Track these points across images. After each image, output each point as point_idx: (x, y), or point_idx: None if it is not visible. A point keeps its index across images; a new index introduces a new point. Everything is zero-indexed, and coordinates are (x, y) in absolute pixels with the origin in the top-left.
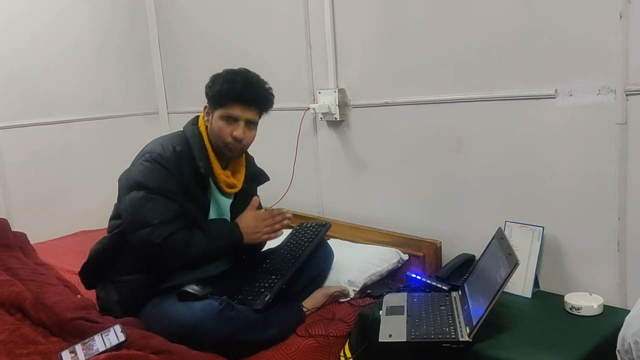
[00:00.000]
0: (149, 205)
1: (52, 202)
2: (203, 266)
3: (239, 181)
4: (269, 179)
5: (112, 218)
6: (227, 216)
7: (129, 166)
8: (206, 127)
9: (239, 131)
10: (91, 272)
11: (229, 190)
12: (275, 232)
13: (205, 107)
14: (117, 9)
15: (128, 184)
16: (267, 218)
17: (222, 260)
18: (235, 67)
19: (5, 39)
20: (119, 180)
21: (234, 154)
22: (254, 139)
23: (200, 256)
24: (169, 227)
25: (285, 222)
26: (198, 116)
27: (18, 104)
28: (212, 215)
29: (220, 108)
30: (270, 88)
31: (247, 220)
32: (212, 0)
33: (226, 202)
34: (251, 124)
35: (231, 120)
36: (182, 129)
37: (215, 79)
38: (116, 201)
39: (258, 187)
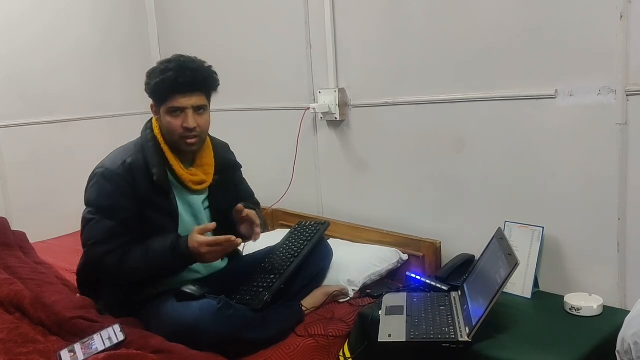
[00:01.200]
0: (89, 225)
1: (51, 201)
2: (161, 279)
3: (208, 174)
4: (241, 166)
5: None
6: (202, 214)
7: None
8: (159, 126)
9: (188, 121)
10: (83, 286)
11: (198, 187)
12: (220, 257)
13: (151, 106)
14: (117, 8)
15: (84, 201)
16: (211, 245)
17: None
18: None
19: (5, 38)
20: None
21: (193, 147)
22: (209, 123)
23: (138, 274)
24: (101, 248)
25: (229, 248)
26: (152, 119)
27: (18, 104)
28: (185, 216)
29: (163, 103)
30: (210, 66)
31: (192, 242)
32: (212, 0)
33: (198, 200)
34: (200, 109)
35: (178, 112)
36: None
37: (150, 74)
38: None
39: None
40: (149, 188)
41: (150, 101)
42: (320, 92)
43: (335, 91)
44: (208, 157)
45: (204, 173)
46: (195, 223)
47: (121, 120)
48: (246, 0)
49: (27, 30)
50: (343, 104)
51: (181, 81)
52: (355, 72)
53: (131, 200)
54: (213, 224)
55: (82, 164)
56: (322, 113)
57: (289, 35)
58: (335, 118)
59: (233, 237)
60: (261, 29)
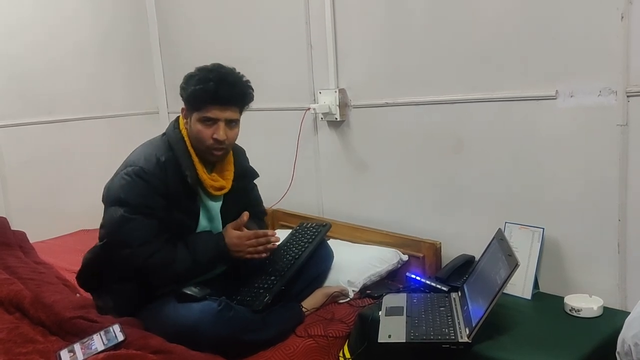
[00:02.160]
0: (129, 226)
1: (51, 200)
2: (192, 279)
3: (227, 180)
4: (258, 176)
5: (101, 226)
6: (218, 219)
7: (113, 174)
8: (187, 129)
9: (219, 133)
10: (85, 280)
11: (218, 193)
12: (258, 254)
13: (183, 108)
14: (118, 9)
15: (110, 197)
16: (250, 238)
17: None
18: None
19: (7, 37)
20: (104, 189)
21: (217, 157)
22: (237, 136)
23: (185, 272)
24: (149, 248)
25: (269, 245)
26: (179, 117)
27: (19, 103)
28: (202, 220)
29: (197, 111)
30: (248, 81)
31: (231, 238)
32: (212, 1)
33: (216, 206)
34: (232, 123)
35: (210, 122)
36: (164, 133)
37: (188, 79)
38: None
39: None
40: (179, 188)
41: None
42: (320, 93)
43: (336, 91)
44: (228, 164)
45: (224, 179)
46: (209, 227)
47: (121, 120)
48: (247, 0)
49: (29, 30)
50: (343, 105)
51: (220, 94)
52: (356, 72)
53: (164, 199)
54: (246, 214)
55: (82, 163)
56: (323, 113)
57: (289, 35)
58: (336, 118)
59: (271, 232)
60: (262, 29)
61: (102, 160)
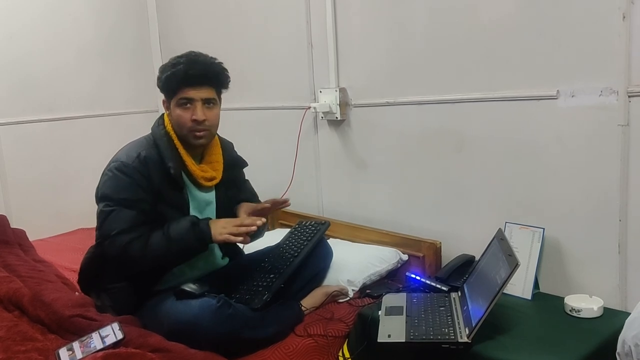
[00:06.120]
0: (110, 217)
1: (51, 199)
2: (178, 264)
3: (217, 171)
4: (247, 164)
5: (97, 228)
6: (210, 211)
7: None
8: (171, 121)
9: (197, 113)
10: (85, 281)
11: (209, 184)
12: (236, 237)
13: (164, 101)
14: (119, 8)
15: (97, 196)
16: (236, 222)
17: (215, 256)
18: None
19: (7, 35)
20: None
21: (201, 140)
22: (218, 118)
23: (161, 255)
24: (125, 237)
25: (250, 230)
26: (164, 115)
27: (19, 101)
28: (193, 212)
29: (173, 95)
30: (221, 62)
31: (220, 221)
32: (212, 1)
33: (207, 197)
34: (210, 103)
35: (187, 104)
36: (150, 132)
37: (162, 69)
38: None
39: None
40: (163, 182)
41: (159, 97)
42: (321, 92)
43: (336, 90)
44: (217, 154)
45: (213, 170)
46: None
47: (122, 119)
48: (247, 0)
49: (30, 28)
50: (344, 104)
51: (191, 73)
52: (356, 71)
53: (147, 192)
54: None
55: (82, 162)
56: (323, 112)
57: (290, 34)
58: (336, 118)
59: (260, 221)
60: (262, 28)
61: (102, 159)
